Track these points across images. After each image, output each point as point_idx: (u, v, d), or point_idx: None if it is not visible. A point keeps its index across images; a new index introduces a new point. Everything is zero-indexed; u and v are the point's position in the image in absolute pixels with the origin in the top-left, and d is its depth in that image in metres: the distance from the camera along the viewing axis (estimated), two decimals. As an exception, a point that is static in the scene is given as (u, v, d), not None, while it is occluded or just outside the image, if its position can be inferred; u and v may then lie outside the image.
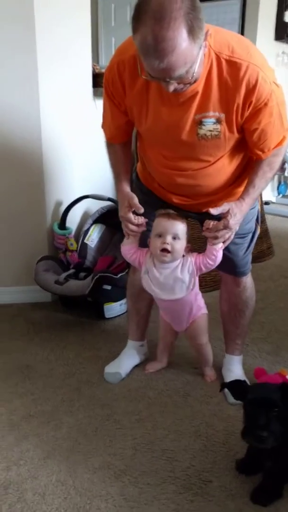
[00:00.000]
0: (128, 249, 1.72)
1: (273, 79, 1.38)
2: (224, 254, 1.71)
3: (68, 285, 2.37)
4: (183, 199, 1.66)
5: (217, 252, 1.60)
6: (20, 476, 1.49)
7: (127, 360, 2.02)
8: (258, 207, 1.76)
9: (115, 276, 2.37)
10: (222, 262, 1.75)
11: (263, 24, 4.09)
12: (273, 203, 4.86)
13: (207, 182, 1.57)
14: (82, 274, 2.50)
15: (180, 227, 1.63)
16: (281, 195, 5.14)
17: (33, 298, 2.64)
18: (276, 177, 5.08)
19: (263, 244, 3.25)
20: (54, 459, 1.56)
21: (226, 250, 1.71)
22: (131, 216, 1.59)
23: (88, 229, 2.73)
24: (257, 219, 1.77)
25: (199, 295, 1.82)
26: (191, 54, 1.19)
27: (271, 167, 1.53)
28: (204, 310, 1.86)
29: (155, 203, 1.71)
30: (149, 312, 2.02)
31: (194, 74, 1.25)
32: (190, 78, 1.25)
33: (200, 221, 1.65)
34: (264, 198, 4.26)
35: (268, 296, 2.74)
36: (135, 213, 1.59)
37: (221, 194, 1.62)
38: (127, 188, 1.65)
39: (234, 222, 1.50)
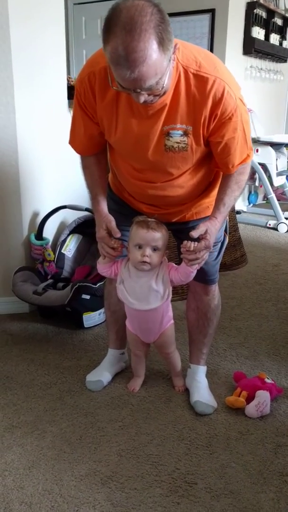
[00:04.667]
0: (104, 267, 1.73)
1: (239, 96, 1.42)
2: None
3: (47, 296, 2.37)
4: (152, 209, 1.68)
5: (191, 272, 1.62)
6: (5, 487, 1.49)
7: (108, 368, 2.03)
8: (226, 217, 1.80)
9: (94, 286, 2.39)
10: None
11: (231, 39, 4.20)
12: (245, 212, 4.97)
13: (176, 193, 1.60)
14: (60, 284, 2.51)
15: (160, 237, 1.62)
16: (251, 204, 5.27)
17: (11, 310, 2.62)
18: (246, 187, 5.20)
19: (237, 252, 3.32)
20: (40, 469, 1.56)
21: None
22: (110, 240, 1.62)
23: (65, 239, 2.74)
24: (225, 229, 1.80)
25: (170, 305, 1.80)
26: (161, 65, 1.21)
27: (238, 185, 1.57)
28: (172, 320, 1.84)
29: (128, 213, 1.72)
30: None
31: (164, 86, 1.27)
32: (160, 89, 1.27)
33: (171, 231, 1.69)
34: (236, 208, 4.35)
35: (244, 302, 2.80)
36: (112, 235, 1.62)
37: (189, 204, 1.66)
38: (104, 209, 1.66)
39: (213, 240, 1.55)
